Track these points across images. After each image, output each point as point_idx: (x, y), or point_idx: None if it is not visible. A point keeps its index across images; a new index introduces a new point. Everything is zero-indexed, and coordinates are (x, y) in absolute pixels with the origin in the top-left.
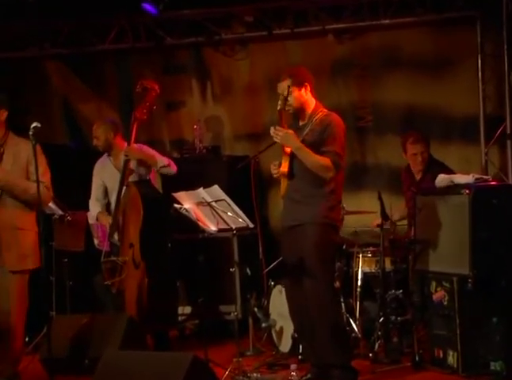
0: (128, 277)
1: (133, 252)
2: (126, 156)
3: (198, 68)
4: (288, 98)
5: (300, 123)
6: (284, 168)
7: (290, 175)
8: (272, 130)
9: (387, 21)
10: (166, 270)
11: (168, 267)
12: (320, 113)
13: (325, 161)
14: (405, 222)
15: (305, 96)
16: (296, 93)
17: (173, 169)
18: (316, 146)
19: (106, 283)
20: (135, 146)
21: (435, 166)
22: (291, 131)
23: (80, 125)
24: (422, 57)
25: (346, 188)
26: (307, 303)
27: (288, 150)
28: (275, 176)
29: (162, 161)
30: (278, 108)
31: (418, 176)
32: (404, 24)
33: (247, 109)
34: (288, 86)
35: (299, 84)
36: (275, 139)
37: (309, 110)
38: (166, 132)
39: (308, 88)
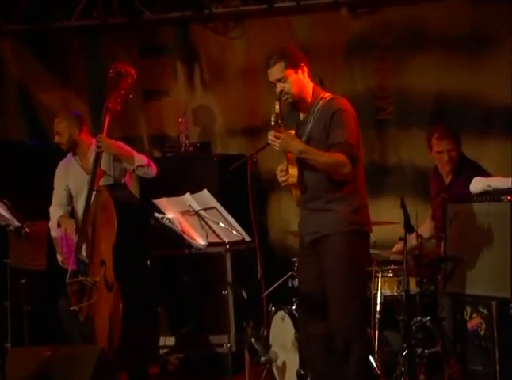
0: (99, 301)
1: (105, 271)
2: (99, 147)
3: (184, 49)
4: (284, 85)
5: (301, 117)
6: (293, 177)
7: (301, 183)
8: (270, 137)
9: None
10: (145, 293)
11: (147, 290)
12: (322, 100)
13: (337, 156)
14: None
15: (303, 80)
16: (292, 76)
17: (153, 170)
18: (325, 141)
19: (72, 308)
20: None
21: (468, 167)
22: (289, 135)
23: (40, 118)
24: (454, 35)
25: None
26: (329, 344)
27: (290, 154)
28: (283, 185)
29: (140, 159)
30: (276, 109)
31: (447, 179)
32: None
33: (243, 98)
34: (281, 78)
35: (295, 65)
36: (274, 147)
37: (308, 98)
38: (145, 126)
39: (305, 69)
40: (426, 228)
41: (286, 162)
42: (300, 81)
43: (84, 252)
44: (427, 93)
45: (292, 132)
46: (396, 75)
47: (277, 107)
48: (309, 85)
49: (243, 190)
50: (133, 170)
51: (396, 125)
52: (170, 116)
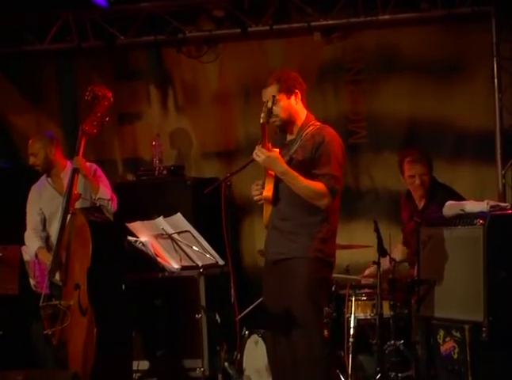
0: (73, 325)
1: (79, 294)
2: (76, 165)
3: (157, 72)
4: (274, 108)
5: (288, 138)
6: (268, 191)
7: (275, 200)
8: (256, 150)
9: (385, 17)
10: (119, 317)
11: (121, 314)
12: (312, 127)
13: (318, 186)
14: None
15: (295, 106)
16: (284, 101)
17: (113, 207)
18: (307, 166)
19: (46, 332)
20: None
21: (440, 191)
22: (274, 154)
23: (13, 141)
24: (427, 60)
25: None
26: (294, 359)
27: (272, 172)
28: (256, 199)
29: (103, 192)
30: (261, 120)
31: (420, 204)
32: (406, 21)
33: (217, 122)
34: (273, 96)
35: (289, 91)
36: (256, 159)
37: (299, 122)
38: (119, 150)
39: (299, 96)
40: (397, 252)
41: (265, 177)
42: (291, 107)
43: (57, 276)
44: (400, 116)
45: (277, 150)
46: (369, 99)
47: (270, 102)
48: (301, 112)
49: (217, 213)
50: (93, 200)
51: (369, 149)
52: (144, 140)
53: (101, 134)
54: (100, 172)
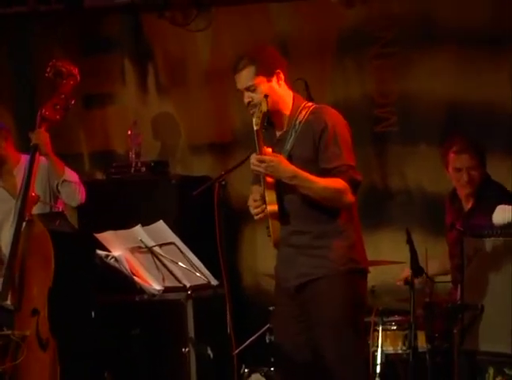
0: (29, 362)
1: (38, 323)
2: (35, 142)
3: (134, 44)
4: (253, 95)
5: (277, 133)
6: (273, 205)
7: (282, 214)
8: (253, 160)
9: None
10: (88, 352)
11: (91, 348)
12: (304, 111)
13: (336, 182)
14: (448, 277)
15: (278, 90)
16: (263, 86)
17: (80, 194)
18: (313, 162)
19: None
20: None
21: (493, 192)
22: (277, 158)
23: None
24: (471, 29)
25: None
26: None
27: (270, 179)
28: (259, 218)
29: (70, 174)
30: (255, 127)
31: (467, 206)
32: None
33: (209, 106)
34: (266, 95)
35: (268, 72)
36: (259, 171)
37: (286, 109)
38: (84, 141)
39: (281, 76)
40: (436, 263)
41: (262, 188)
42: (274, 92)
43: (9, 300)
44: (439, 99)
45: (270, 150)
46: (400, 78)
47: (264, 105)
48: (287, 95)
49: (209, 221)
50: (57, 186)
51: (400, 140)
52: (117, 128)
53: (63, 121)
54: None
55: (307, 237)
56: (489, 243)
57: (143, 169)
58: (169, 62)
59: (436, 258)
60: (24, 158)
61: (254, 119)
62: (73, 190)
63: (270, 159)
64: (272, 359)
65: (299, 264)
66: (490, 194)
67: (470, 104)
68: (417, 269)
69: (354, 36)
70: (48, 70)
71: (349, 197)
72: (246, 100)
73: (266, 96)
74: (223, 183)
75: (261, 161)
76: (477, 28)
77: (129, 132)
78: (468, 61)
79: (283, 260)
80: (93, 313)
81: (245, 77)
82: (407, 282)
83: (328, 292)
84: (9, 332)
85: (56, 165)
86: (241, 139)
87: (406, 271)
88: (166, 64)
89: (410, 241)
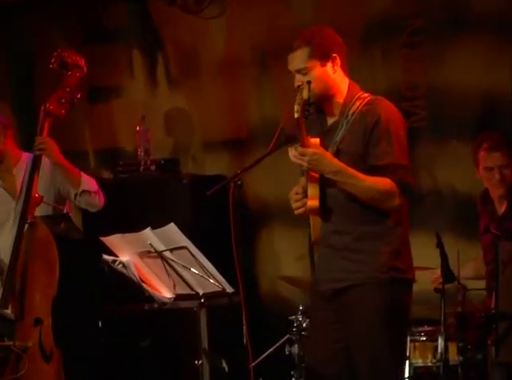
0: (32, 374)
1: (41, 333)
2: (40, 148)
3: (143, 32)
4: (305, 79)
5: (329, 121)
6: (314, 200)
7: (324, 211)
8: (292, 152)
9: None
10: (95, 364)
11: (98, 360)
12: (359, 101)
13: (385, 183)
14: (482, 283)
15: (332, 76)
16: (317, 70)
17: (100, 201)
18: (362, 157)
19: None
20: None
21: None
22: (321, 151)
23: None
24: (509, 14)
25: None
26: None
27: (314, 173)
28: (299, 212)
29: (88, 182)
30: (295, 115)
31: (501, 209)
32: None
33: (224, 100)
34: (309, 82)
35: (324, 55)
36: (297, 163)
37: (340, 97)
38: (89, 137)
39: (338, 62)
40: (470, 267)
41: (306, 181)
42: (327, 77)
43: (9, 308)
44: (472, 92)
45: (317, 141)
46: (430, 68)
47: (306, 92)
48: (342, 82)
49: (224, 223)
50: (74, 196)
51: (430, 136)
52: (124, 124)
53: (66, 116)
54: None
55: (346, 238)
56: None
57: (153, 167)
58: (180, 52)
59: (470, 261)
60: (26, 156)
61: (295, 106)
62: (92, 198)
63: (313, 152)
64: (292, 372)
65: (336, 268)
66: None
67: (506, 97)
68: (448, 274)
69: (381, 24)
70: (53, 60)
71: (396, 200)
72: (297, 83)
73: (309, 82)
74: (239, 182)
75: (303, 154)
76: (510, 14)
77: (138, 128)
78: (504, 50)
79: (321, 261)
80: (100, 323)
81: (298, 58)
82: (438, 289)
83: (364, 302)
84: (10, 342)
85: (71, 174)
86: (258, 135)
87: (437, 278)
88: (176, 54)
89: (440, 245)
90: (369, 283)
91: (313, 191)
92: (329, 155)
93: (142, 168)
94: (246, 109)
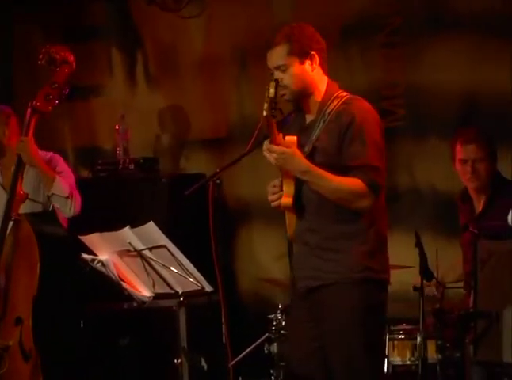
0: (11, 374)
1: (21, 332)
2: (18, 150)
3: (121, 31)
4: (283, 76)
5: (307, 119)
6: (288, 198)
7: (299, 208)
8: (265, 147)
9: None
10: (74, 363)
11: (78, 360)
12: (337, 100)
13: (354, 184)
14: (461, 282)
15: (310, 74)
16: (295, 67)
17: (75, 208)
18: (337, 157)
19: None
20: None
21: (506, 190)
22: (290, 150)
23: None
24: (489, 14)
25: None
26: None
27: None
28: (274, 205)
29: (60, 188)
30: (264, 113)
31: (478, 206)
32: None
33: (203, 98)
34: (276, 80)
35: (302, 53)
36: (270, 160)
37: (318, 96)
38: (68, 136)
39: (316, 59)
40: (451, 272)
41: (282, 175)
42: (306, 75)
43: None
44: (452, 91)
45: (294, 139)
46: (409, 67)
47: (272, 90)
48: (321, 80)
49: (203, 222)
50: (48, 197)
51: (409, 134)
52: (103, 122)
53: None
54: (62, 165)
55: (320, 236)
56: (504, 246)
57: (132, 166)
58: (159, 51)
59: (450, 265)
60: None
61: (264, 104)
62: (63, 204)
63: (281, 151)
64: (271, 371)
65: (310, 266)
66: (503, 193)
67: (485, 96)
68: (426, 273)
69: (359, 23)
70: (41, 57)
71: (366, 201)
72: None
73: (277, 80)
74: (218, 181)
75: (271, 152)
76: (491, 13)
77: (117, 127)
78: (482, 48)
79: (297, 258)
80: (81, 323)
81: (277, 55)
82: (416, 288)
83: (337, 301)
84: None
85: (44, 176)
86: (237, 134)
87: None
88: (156, 53)
89: (419, 245)
90: (343, 283)
91: (288, 188)
92: (298, 154)
93: (121, 167)
94: (225, 108)
